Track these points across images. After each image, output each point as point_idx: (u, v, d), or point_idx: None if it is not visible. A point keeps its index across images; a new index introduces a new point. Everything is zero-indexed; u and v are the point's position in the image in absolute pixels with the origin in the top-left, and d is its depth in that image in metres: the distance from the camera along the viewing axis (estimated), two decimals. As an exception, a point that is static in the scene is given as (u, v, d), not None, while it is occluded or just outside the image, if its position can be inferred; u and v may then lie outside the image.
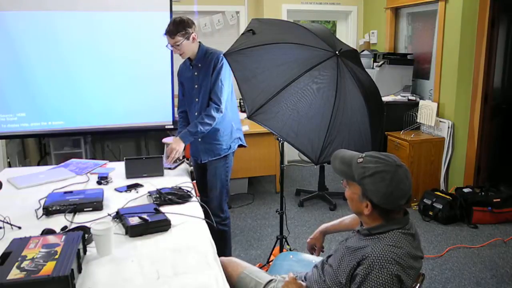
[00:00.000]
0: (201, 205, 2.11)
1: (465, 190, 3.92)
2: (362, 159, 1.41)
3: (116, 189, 2.30)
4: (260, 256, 3.25)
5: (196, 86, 2.66)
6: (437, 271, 3.02)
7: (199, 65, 2.62)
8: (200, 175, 2.89)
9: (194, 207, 2.05)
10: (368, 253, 1.34)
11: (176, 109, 3.32)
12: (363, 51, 5.13)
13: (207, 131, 2.59)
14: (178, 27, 2.49)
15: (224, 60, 2.52)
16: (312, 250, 1.97)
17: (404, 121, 4.44)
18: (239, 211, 4.14)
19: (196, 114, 2.69)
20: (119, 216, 1.85)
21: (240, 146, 2.84)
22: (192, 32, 2.53)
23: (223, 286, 1.41)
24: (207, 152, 2.71)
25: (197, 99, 2.67)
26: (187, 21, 2.53)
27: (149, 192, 2.19)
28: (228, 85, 2.61)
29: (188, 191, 2.20)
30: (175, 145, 2.59)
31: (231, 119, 2.72)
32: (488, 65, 4.02)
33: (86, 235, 1.60)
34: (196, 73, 2.64)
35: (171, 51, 4.25)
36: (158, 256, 1.57)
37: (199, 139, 2.68)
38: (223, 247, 2.78)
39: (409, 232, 1.40)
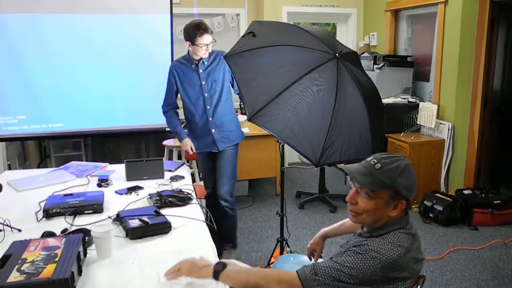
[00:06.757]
0: (201, 207, 2.11)
1: (466, 192, 3.92)
2: (379, 164, 1.38)
3: (116, 192, 2.30)
4: (260, 259, 3.25)
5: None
6: (437, 273, 3.01)
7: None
8: (209, 165, 3.02)
9: (194, 210, 2.05)
10: (366, 244, 1.34)
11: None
12: (363, 53, 5.13)
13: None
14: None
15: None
16: (312, 255, 1.96)
17: (404, 123, 4.44)
18: (240, 213, 4.12)
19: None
20: (120, 219, 1.85)
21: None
22: None
23: (223, 289, 1.41)
24: (223, 140, 2.89)
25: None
26: None
27: (149, 195, 2.19)
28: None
29: (188, 193, 2.20)
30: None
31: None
32: (488, 67, 4.02)
33: (86, 238, 1.59)
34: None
35: (171, 53, 4.31)
36: (158, 259, 1.56)
37: (213, 130, 2.85)
38: (232, 234, 3.07)
39: (410, 232, 1.40)
